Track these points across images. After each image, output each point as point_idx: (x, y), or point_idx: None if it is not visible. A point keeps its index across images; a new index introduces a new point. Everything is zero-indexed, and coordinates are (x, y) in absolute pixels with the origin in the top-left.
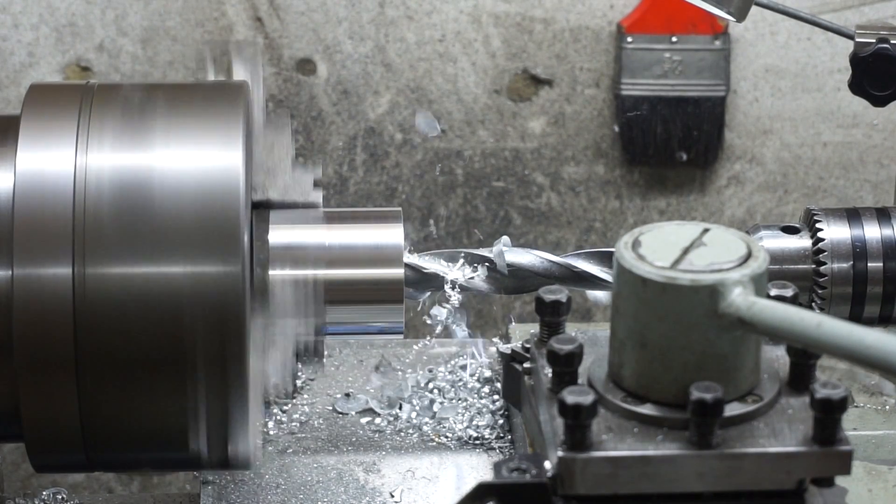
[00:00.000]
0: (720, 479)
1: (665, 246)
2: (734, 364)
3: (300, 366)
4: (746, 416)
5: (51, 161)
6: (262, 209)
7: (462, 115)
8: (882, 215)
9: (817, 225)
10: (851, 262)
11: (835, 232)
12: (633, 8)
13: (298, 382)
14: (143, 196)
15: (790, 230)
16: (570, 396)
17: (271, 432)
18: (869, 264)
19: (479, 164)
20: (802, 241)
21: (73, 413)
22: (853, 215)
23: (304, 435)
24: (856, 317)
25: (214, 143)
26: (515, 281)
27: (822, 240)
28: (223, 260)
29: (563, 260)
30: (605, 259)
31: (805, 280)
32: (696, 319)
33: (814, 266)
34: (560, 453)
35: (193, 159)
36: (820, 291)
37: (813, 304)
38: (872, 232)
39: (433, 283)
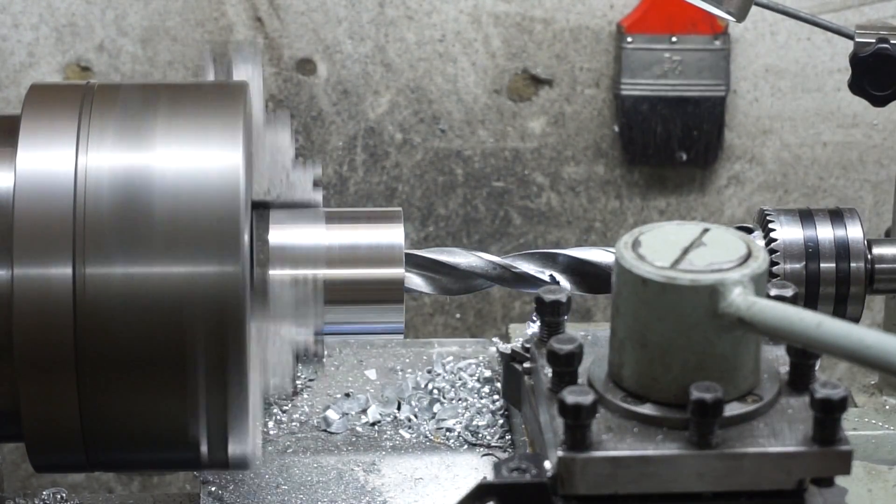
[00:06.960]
0: (720, 479)
1: (665, 246)
2: (734, 364)
3: (300, 367)
4: (746, 416)
5: (51, 161)
6: (261, 209)
7: (462, 115)
8: (835, 216)
9: (770, 225)
10: (804, 263)
11: (788, 232)
12: (633, 8)
13: (298, 383)
14: (143, 196)
15: (743, 230)
16: (570, 396)
17: (271, 432)
18: (822, 265)
19: (479, 164)
20: None
21: (73, 413)
22: (806, 216)
23: (304, 435)
24: None
25: (214, 144)
26: (455, 281)
27: (775, 240)
28: (223, 260)
29: (503, 261)
30: (545, 260)
31: None
32: (696, 319)
33: None
34: (560, 453)
35: (193, 159)
36: None
37: None
38: (825, 233)
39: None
